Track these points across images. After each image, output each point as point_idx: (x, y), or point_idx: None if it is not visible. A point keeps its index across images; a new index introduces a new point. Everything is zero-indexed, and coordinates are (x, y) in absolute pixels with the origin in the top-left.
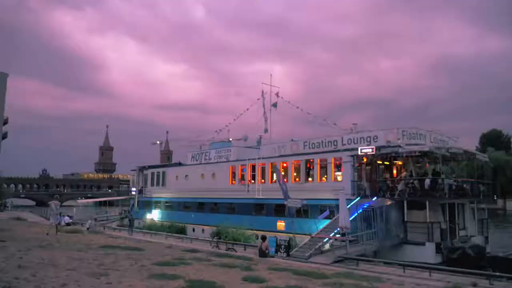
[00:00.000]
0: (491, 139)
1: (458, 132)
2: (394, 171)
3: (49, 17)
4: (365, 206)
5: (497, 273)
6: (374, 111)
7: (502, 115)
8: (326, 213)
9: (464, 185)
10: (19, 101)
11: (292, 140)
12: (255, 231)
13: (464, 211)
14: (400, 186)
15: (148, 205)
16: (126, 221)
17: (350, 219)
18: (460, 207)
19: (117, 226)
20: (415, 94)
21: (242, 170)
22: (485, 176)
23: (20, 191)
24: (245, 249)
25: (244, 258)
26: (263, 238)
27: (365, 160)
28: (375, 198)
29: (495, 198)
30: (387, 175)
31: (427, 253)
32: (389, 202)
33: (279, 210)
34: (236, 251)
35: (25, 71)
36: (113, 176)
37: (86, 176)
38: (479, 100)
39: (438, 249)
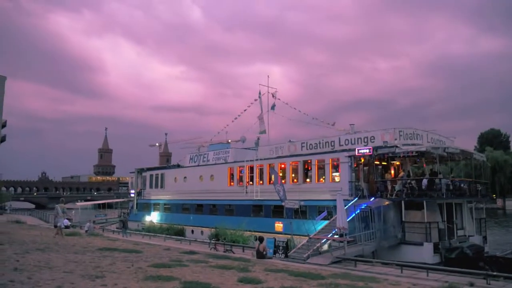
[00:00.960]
0: (489, 139)
1: (457, 132)
2: (392, 172)
3: (46, 20)
4: (362, 207)
5: (494, 273)
6: (372, 111)
7: (501, 114)
8: (324, 214)
9: (462, 185)
10: (17, 104)
11: (289, 141)
12: (253, 233)
13: (462, 210)
14: (397, 186)
15: (147, 207)
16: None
17: (348, 219)
18: (458, 207)
19: (116, 228)
20: (413, 94)
21: (240, 172)
22: (482, 175)
23: (20, 194)
24: (243, 251)
25: (242, 259)
26: (260, 239)
27: (362, 160)
28: (373, 198)
29: (494, 197)
30: (387, 176)
31: (425, 253)
32: (386, 203)
33: (277, 211)
34: (234, 253)
35: (23, 74)
36: (120, 179)
37: (94, 179)
38: (478, 100)
39: (436, 249)
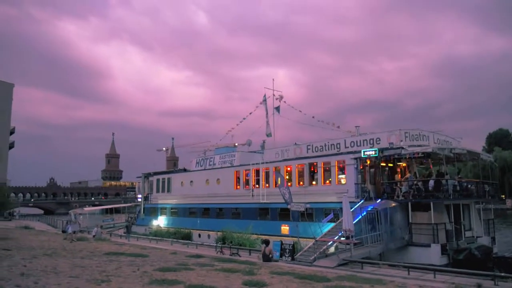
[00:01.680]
0: (498, 139)
1: (465, 132)
2: (399, 173)
3: (53, 27)
4: (369, 209)
5: (502, 274)
6: (379, 113)
7: (509, 114)
8: (330, 216)
9: (469, 186)
10: (25, 111)
11: (295, 143)
12: (260, 236)
13: (469, 211)
14: (404, 188)
15: (154, 211)
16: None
17: (354, 222)
18: (466, 208)
19: (123, 233)
20: (420, 95)
21: (246, 175)
22: (490, 176)
23: (29, 200)
24: (249, 254)
25: (248, 262)
26: (266, 242)
27: (368, 162)
28: (379, 200)
29: (503, 198)
30: (393, 177)
31: (433, 254)
32: (393, 204)
33: (284, 214)
34: (240, 256)
35: (31, 81)
36: (133, 184)
37: (108, 184)
38: (486, 100)
39: (444, 250)
